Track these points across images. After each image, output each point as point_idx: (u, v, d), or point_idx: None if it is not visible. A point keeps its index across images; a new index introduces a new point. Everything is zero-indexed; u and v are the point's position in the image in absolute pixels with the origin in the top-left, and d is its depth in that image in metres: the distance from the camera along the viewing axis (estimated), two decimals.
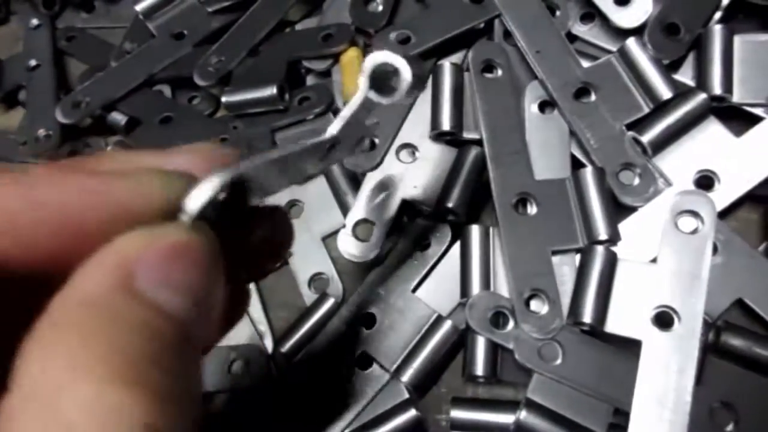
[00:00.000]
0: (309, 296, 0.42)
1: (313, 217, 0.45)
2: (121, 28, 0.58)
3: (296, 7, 0.52)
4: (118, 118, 0.52)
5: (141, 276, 0.17)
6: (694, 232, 0.37)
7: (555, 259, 0.38)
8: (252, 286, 0.42)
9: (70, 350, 0.16)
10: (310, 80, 0.50)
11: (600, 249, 0.36)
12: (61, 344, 0.16)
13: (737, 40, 0.40)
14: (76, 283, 0.17)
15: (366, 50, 0.48)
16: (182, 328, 0.18)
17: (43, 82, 0.57)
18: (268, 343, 0.42)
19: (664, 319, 0.35)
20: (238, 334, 0.42)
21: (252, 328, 0.42)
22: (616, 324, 0.36)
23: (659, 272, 0.36)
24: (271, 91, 0.46)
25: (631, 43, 0.41)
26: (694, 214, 0.37)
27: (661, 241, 0.37)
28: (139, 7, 0.55)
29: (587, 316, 0.35)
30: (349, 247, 0.40)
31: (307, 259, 0.43)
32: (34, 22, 0.61)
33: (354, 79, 0.46)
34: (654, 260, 0.37)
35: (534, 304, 0.37)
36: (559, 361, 0.36)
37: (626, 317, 0.36)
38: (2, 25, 0.65)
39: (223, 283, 0.20)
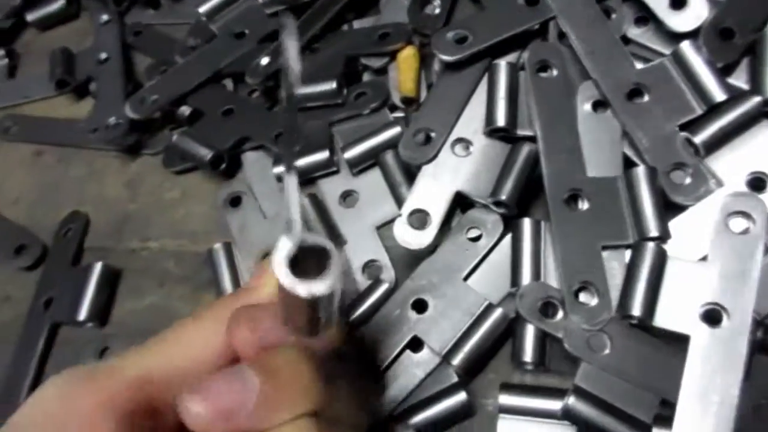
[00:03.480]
0: (362, 282, 0.44)
1: (367, 207, 0.47)
2: (185, 24, 0.62)
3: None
4: (183, 109, 0.55)
5: None
6: (745, 232, 0.37)
7: (604, 254, 0.39)
8: None
9: None
10: (366, 77, 0.52)
11: (651, 245, 0.37)
12: None
13: None
14: None
15: (422, 49, 0.50)
16: None
17: (112, 74, 0.60)
18: None
19: (713, 316, 0.36)
20: None
21: None
22: (664, 318, 0.37)
23: (709, 271, 0.37)
24: (331, 85, 0.48)
25: (686, 46, 0.42)
26: (746, 215, 0.38)
27: (712, 241, 0.38)
28: (202, 9, 0.57)
29: (636, 309, 0.36)
30: (404, 234, 0.41)
31: (360, 246, 0.45)
32: (104, 17, 0.65)
33: (410, 76, 0.48)
34: (704, 258, 0.38)
35: (583, 296, 0.38)
36: (607, 352, 0.37)
37: (675, 312, 0.37)
38: (73, 21, 0.69)
39: None
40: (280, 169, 0.48)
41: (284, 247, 0.23)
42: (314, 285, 0.23)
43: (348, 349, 0.33)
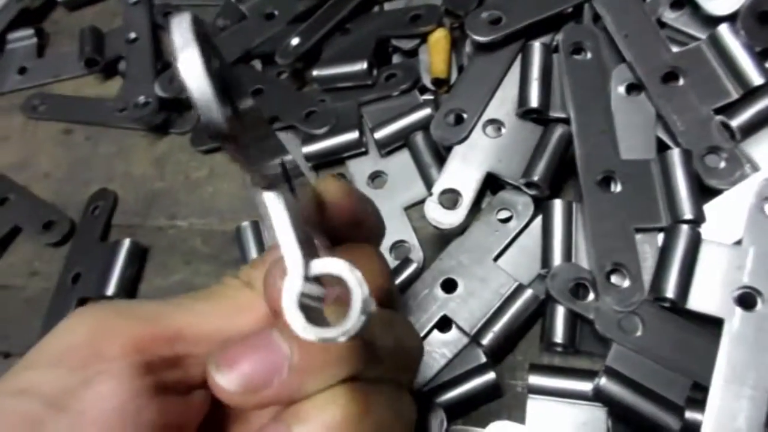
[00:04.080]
0: (390, 262, 0.44)
1: (396, 188, 0.47)
2: (214, 6, 0.62)
3: None
4: None
5: None
6: None
7: (637, 236, 0.39)
8: None
9: None
10: (396, 59, 0.52)
11: (685, 228, 0.37)
12: None
13: None
14: None
15: (453, 31, 0.49)
16: None
17: (141, 53, 0.60)
18: None
19: (747, 300, 0.36)
20: None
21: None
22: (697, 301, 0.36)
23: (744, 254, 0.37)
24: (362, 66, 0.48)
25: (724, 29, 0.41)
26: None
27: (747, 225, 0.37)
28: None
29: (670, 292, 0.36)
30: (435, 214, 0.41)
31: (389, 227, 0.45)
32: None
33: (441, 58, 0.48)
34: (738, 242, 0.37)
35: (615, 278, 0.38)
36: (638, 333, 0.36)
37: (708, 295, 0.36)
38: (102, 1, 0.69)
39: None
40: (308, 148, 0.49)
41: (290, 291, 0.18)
42: (337, 329, 0.18)
43: (391, 302, 0.30)
